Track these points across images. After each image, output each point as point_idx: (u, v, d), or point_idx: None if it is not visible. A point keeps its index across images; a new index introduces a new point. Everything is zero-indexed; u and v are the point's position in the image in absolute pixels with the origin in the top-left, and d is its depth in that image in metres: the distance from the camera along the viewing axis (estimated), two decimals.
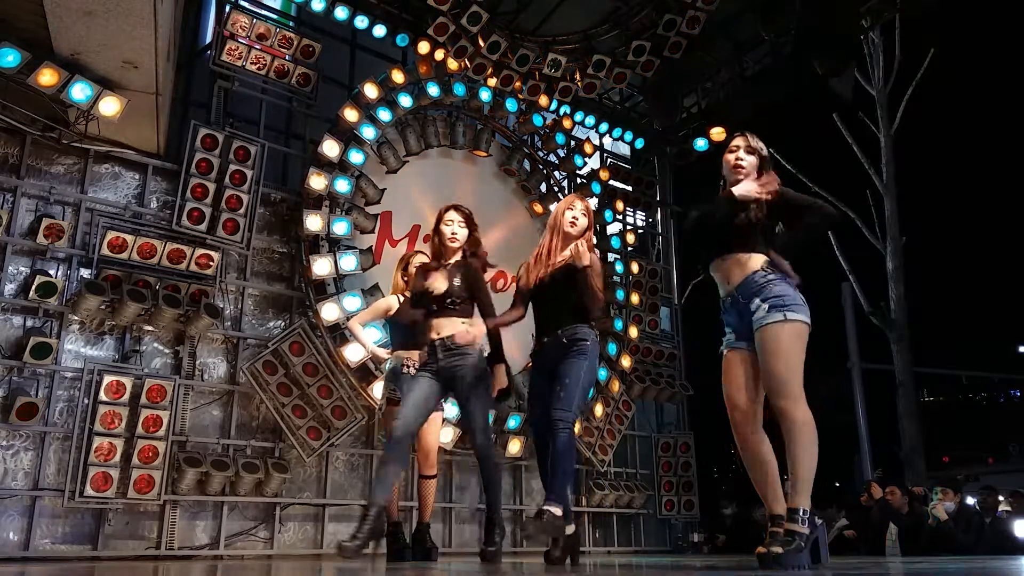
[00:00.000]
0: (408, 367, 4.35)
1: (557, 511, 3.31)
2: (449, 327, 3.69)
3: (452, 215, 3.83)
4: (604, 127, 8.90)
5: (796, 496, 2.76)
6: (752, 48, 8.28)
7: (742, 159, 3.14)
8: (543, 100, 7.70)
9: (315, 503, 6.13)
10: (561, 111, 8.22)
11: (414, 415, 3.63)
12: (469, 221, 3.86)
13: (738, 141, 3.21)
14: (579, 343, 3.53)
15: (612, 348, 7.83)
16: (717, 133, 8.39)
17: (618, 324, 7.97)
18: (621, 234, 8.54)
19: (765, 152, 3.17)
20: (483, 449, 3.71)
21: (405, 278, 4.58)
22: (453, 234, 3.80)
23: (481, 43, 6.98)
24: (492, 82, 7.40)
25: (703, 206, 3.18)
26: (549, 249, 3.74)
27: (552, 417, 3.42)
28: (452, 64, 7.09)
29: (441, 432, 5.13)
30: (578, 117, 8.46)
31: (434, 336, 3.70)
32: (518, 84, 7.49)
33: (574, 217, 3.70)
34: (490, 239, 7.66)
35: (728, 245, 3.01)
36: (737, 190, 3.03)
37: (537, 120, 7.97)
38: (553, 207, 8.22)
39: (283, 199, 6.54)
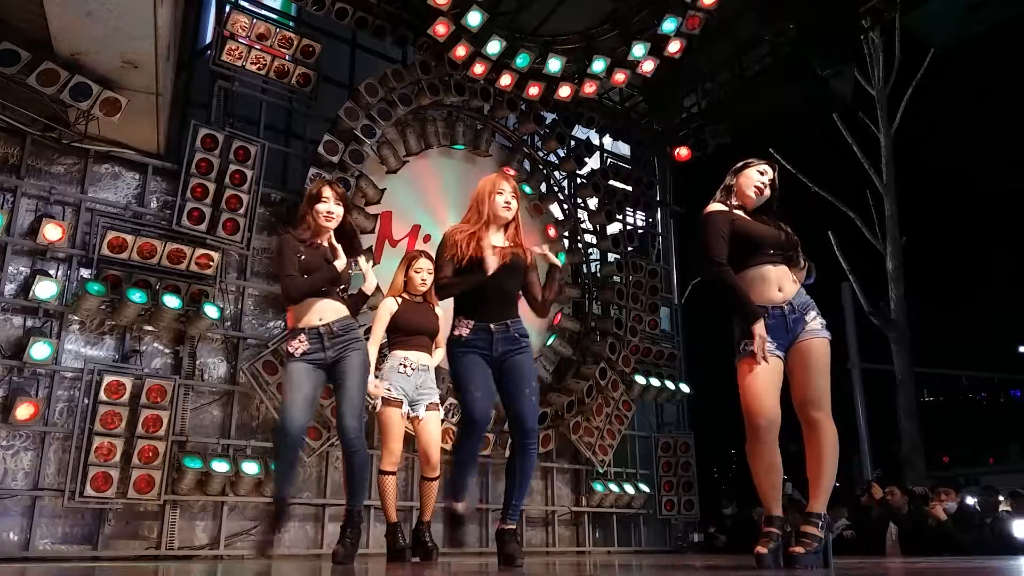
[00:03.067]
0: (406, 367, 4.35)
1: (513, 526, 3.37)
2: (335, 312, 3.63)
3: (329, 192, 3.67)
4: (604, 127, 8.91)
5: (818, 502, 2.92)
6: (752, 48, 8.27)
7: (765, 185, 3.21)
8: (543, 100, 7.70)
9: (315, 503, 6.13)
10: (561, 111, 8.22)
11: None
12: (344, 199, 3.74)
13: (768, 169, 3.25)
14: (525, 338, 3.44)
15: (612, 348, 7.83)
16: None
17: (618, 324, 7.97)
18: (621, 234, 8.55)
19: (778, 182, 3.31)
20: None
21: (405, 279, 4.55)
22: (329, 212, 3.64)
23: (480, 43, 6.98)
24: (492, 82, 7.39)
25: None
26: (482, 231, 3.41)
27: (529, 427, 3.37)
28: (452, 64, 7.08)
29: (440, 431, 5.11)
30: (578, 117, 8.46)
31: (318, 323, 3.58)
32: (517, 83, 7.49)
33: (507, 201, 3.43)
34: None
35: (777, 251, 3.10)
36: None
37: (537, 120, 7.98)
38: (554, 207, 8.30)
39: (283, 199, 6.53)
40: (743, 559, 4.64)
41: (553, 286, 3.52)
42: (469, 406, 3.34)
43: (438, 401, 4.54)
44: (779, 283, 3.06)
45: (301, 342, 3.57)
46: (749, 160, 3.28)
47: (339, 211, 3.67)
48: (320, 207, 3.63)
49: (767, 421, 2.94)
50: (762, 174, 3.22)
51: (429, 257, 4.57)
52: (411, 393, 4.38)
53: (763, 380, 2.95)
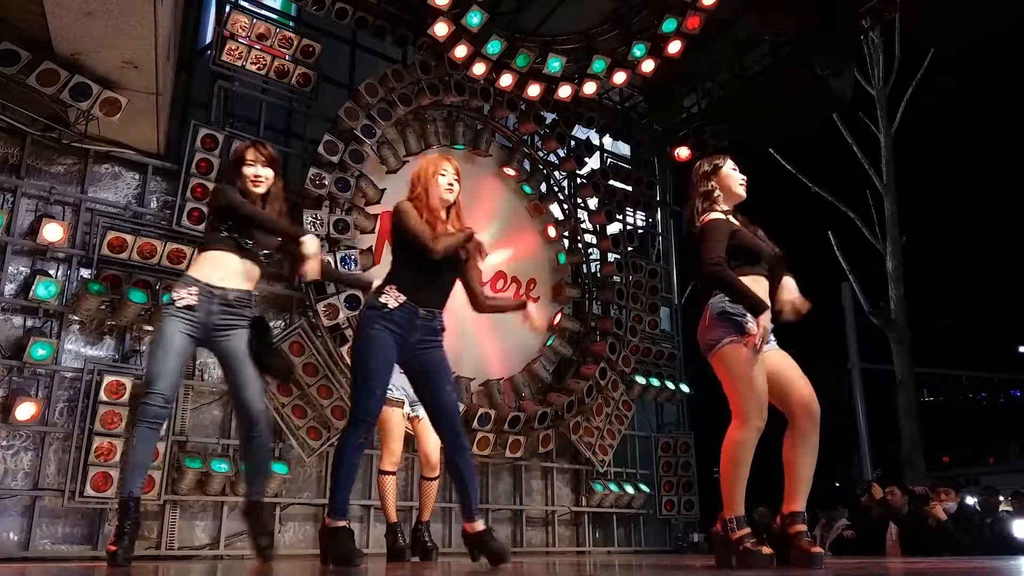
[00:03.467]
0: None
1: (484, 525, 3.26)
2: (242, 279, 3.22)
3: (253, 154, 3.29)
4: (604, 127, 8.91)
5: (804, 501, 2.97)
6: (752, 48, 8.28)
7: (744, 179, 3.27)
8: (543, 100, 7.70)
9: (315, 503, 6.12)
10: (561, 111, 8.21)
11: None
12: (273, 162, 3.34)
13: (735, 166, 3.29)
14: (443, 332, 3.24)
15: (612, 348, 7.83)
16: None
17: (618, 324, 7.98)
18: (621, 234, 8.55)
19: None
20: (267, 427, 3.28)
21: None
22: (256, 176, 3.26)
23: (480, 43, 6.98)
24: (492, 82, 7.39)
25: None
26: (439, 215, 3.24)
27: (459, 425, 3.19)
28: (452, 64, 7.09)
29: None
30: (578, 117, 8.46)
31: (217, 283, 3.13)
32: (517, 83, 7.49)
33: (450, 183, 3.25)
34: (489, 238, 7.67)
35: (763, 263, 3.16)
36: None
37: (537, 120, 7.98)
38: (553, 207, 8.28)
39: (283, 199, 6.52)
40: None
41: (503, 306, 3.44)
42: (367, 401, 3.05)
43: None
44: (765, 290, 3.10)
45: (190, 294, 3.08)
46: (713, 159, 3.28)
47: (268, 174, 3.28)
48: (247, 171, 3.25)
49: (766, 414, 2.93)
50: (735, 169, 3.25)
51: None
52: (412, 393, 4.38)
53: (762, 372, 2.93)
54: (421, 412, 4.40)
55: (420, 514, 4.53)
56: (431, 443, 4.43)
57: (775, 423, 3.02)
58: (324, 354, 6.01)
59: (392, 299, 3.09)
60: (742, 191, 3.23)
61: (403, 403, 4.33)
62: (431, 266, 3.13)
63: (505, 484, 7.38)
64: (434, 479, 4.49)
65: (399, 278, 3.16)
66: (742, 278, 2.98)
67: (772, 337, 3.09)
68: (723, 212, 3.15)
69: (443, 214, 3.25)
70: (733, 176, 3.22)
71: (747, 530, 2.92)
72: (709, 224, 3.09)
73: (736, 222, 3.16)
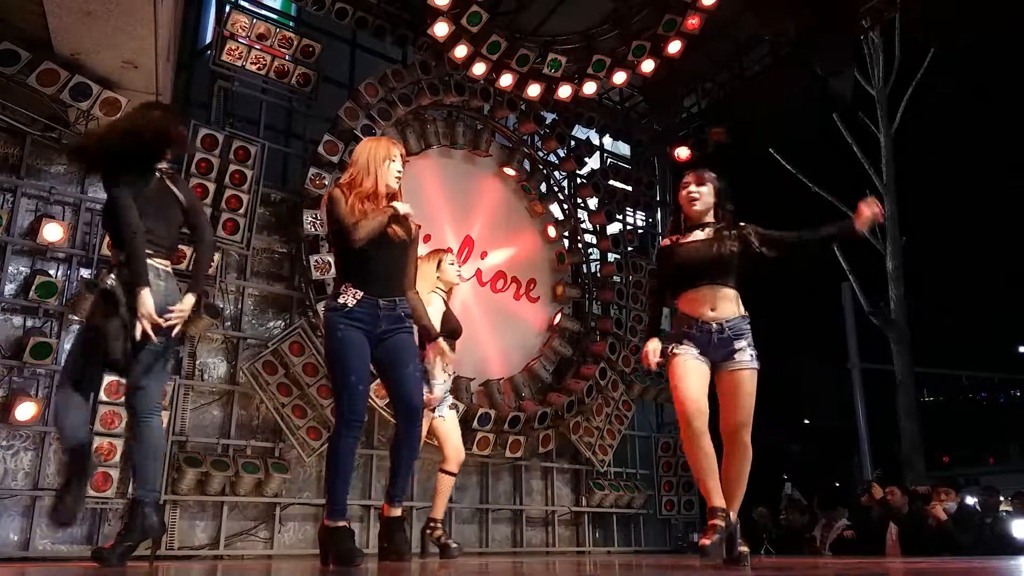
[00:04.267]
0: (447, 367, 4.34)
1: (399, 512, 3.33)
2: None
3: None
4: (604, 127, 8.91)
5: (735, 503, 3.18)
6: (752, 48, 8.28)
7: (694, 192, 3.40)
8: (543, 100, 7.70)
9: (315, 503, 6.12)
10: (561, 111, 8.21)
11: None
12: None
13: (688, 179, 3.46)
14: (410, 319, 3.23)
15: (612, 348, 7.83)
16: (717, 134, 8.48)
17: (618, 324, 7.98)
18: (621, 234, 8.55)
19: (719, 184, 3.46)
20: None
21: (438, 274, 4.54)
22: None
23: (480, 43, 6.98)
24: (492, 82, 7.39)
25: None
26: (375, 195, 3.16)
27: (415, 406, 3.15)
28: (452, 64, 7.09)
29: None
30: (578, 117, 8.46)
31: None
32: (517, 83, 7.48)
33: (399, 170, 3.21)
34: (489, 239, 7.68)
35: (711, 274, 3.27)
36: None
37: (537, 120, 7.97)
38: (554, 207, 8.28)
39: (283, 199, 6.54)
40: None
41: (419, 318, 3.39)
42: (352, 399, 3.04)
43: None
44: (712, 303, 3.25)
45: None
46: (683, 179, 3.48)
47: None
48: None
49: (694, 407, 3.10)
50: (684, 187, 3.44)
51: (454, 255, 4.74)
52: (446, 394, 4.47)
53: (685, 374, 3.16)
54: (446, 412, 4.48)
55: (433, 510, 4.56)
56: (455, 442, 4.52)
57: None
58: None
59: (351, 297, 3.08)
60: (689, 209, 3.41)
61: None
62: (375, 253, 3.08)
63: (505, 484, 7.38)
64: (453, 475, 4.55)
65: (352, 273, 3.12)
66: (688, 292, 3.29)
67: (740, 347, 3.21)
68: (677, 235, 3.43)
69: (384, 201, 3.17)
70: (682, 196, 3.44)
71: (714, 522, 3.02)
72: (656, 253, 3.51)
73: (685, 240, 3.38)
